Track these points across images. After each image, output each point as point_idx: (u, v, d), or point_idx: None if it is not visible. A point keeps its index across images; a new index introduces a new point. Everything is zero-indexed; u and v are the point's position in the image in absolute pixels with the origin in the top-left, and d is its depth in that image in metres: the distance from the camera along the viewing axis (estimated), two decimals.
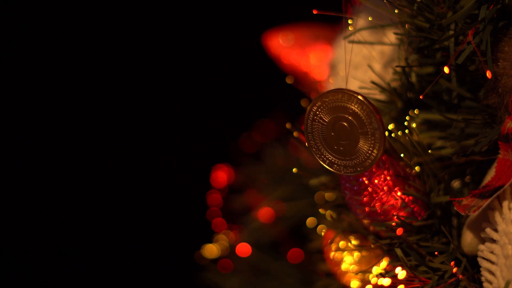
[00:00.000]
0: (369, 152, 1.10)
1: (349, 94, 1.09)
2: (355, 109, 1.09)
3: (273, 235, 1.71)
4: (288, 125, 1.27)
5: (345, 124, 1.10)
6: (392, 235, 1.16)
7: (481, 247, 1.10)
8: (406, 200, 1.16)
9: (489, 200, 1.06)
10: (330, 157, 1.13)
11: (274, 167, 1.72)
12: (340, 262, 1.29)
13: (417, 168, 1.18)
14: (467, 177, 1.20)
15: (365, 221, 1.19)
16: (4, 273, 2.25)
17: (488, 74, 1.06)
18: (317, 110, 1.11)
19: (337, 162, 1.12)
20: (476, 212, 1.07)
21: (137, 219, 2.27)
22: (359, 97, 1.08)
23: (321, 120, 1.12)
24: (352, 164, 1.12)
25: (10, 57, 2.23)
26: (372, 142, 1.09)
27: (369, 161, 1.10)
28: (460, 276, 1.12)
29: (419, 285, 1.14)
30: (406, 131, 1.18)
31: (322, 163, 1.13)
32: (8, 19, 2.22)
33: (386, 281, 1.15)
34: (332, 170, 1.13)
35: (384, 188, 1.16)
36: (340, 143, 1.11)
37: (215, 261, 1.74)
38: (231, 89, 2.27)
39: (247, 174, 1.75)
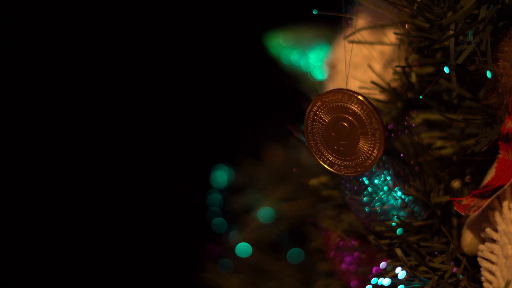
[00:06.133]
0: (369, 152, 1.10)
1: (349, 94, 1.09)
2: (355, 109, 1.09)
3: (273, 235, 1.71)
4: (288, 125, 1.27)
5: (345, 124, 1.10)
6: (392, 235, 1.16)
7: (481, 247, 1.10)
8: (406, 200, 1.16)
9: (489, 200, 1.06)
10: (330, 158, 1.13)
11: (274, 167, 1.72)
12: (340, 262, 1.29)
13: (417, 168, 1.18)
14: (467, 177, 1.20)
15: (365, 221, 1.19)
16: (4, 273, 2.25)
17: (488, 74, 1.06)
18: (317, 110, 1.11)
19: (338, 163, 1.12)
20: (476, 212, 1.07)
21: (137, 219, 2.27)
22: (359, 97, 1.08)
23: (321, 120, 1.12)
24: (352, 165, 1.12)
25: (10, 57, 2.22)
26: (372, 142, 1.09)
27: (370, 161, 1.10)
28: (460, 276, 1.13)
29: (419, 285, 1.14)
30: (406, 131, 1.18)
31: (322, 163, 1.13)
32: (8, 19, 2.22)
33: (386, 281, 1.15)
34: (332, 170, 1.13)
35: (384, 188, 1.16)
36: (340, 143, 1.11)
37: (215, 261, 1.74)
38: (232, 89, 2.27)
39: (247, 174, 1.75)
